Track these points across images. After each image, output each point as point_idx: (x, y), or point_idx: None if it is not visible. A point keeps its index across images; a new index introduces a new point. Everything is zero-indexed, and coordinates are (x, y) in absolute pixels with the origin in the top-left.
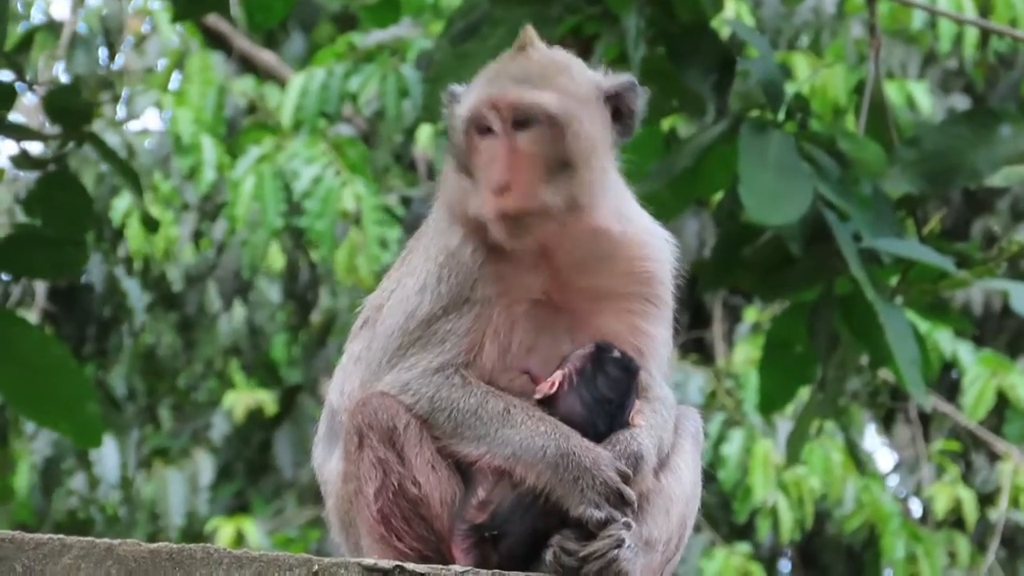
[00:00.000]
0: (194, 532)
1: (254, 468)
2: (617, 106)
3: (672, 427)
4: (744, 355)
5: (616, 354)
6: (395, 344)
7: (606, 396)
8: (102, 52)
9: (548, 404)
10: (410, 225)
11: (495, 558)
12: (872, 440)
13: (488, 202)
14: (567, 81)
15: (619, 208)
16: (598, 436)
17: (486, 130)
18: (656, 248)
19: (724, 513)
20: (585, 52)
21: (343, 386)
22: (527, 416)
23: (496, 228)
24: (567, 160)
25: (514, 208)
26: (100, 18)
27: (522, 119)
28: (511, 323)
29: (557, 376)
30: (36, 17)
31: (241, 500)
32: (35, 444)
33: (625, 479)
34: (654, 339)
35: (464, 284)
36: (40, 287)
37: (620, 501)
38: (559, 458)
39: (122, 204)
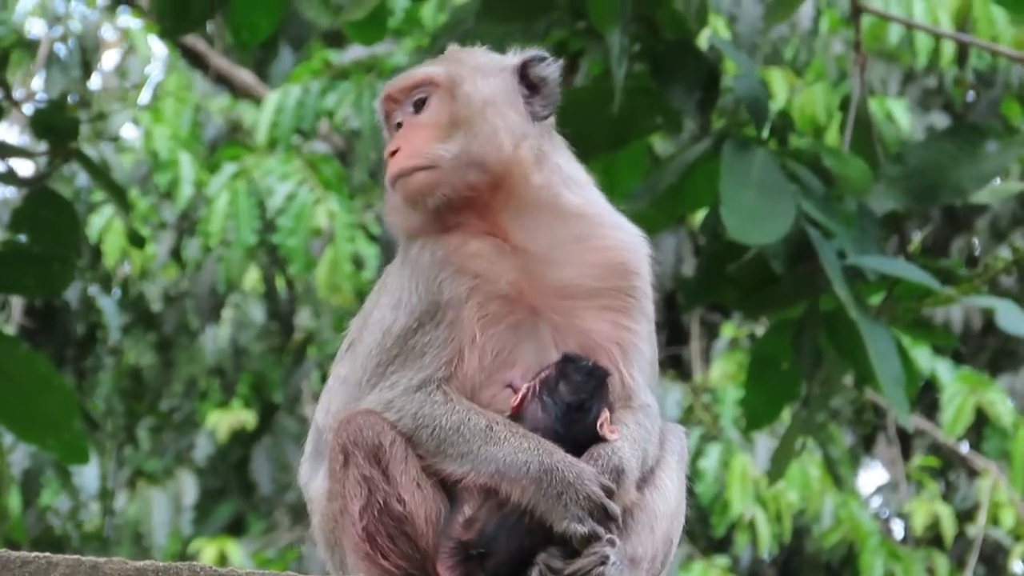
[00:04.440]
0: (179, 554)
1: (246, 488)
2: (530, 80)
3: (657, 439)
4: (721, 371)
5: (583, 363)
6: (375, 362)
7: (566, 400)
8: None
9: (518, 419)
10: (386, 243)
11: None
12: (855, 459)
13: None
14: (460, 56)
15: (569, 179)
16: (560, 440)
17: (399, 126)
18: (627, 239)
19: (702, 527)
20: (570, 68)
21: (329, 406)
22: (510, 433)
23: (395, 197)
24: (458, 119)
25: (400, 167)
26: (76, 37)
27: (418, 100)
28: (486, 325)
29: (522, 391)
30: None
31: (234, 520)
32: (13, 456)
33: (609, 493)
34: (636, 334)
35: (431, 287)
36: (16, 304)
37: (604, 516)
38: (542, 474)
39: (98, 222)
